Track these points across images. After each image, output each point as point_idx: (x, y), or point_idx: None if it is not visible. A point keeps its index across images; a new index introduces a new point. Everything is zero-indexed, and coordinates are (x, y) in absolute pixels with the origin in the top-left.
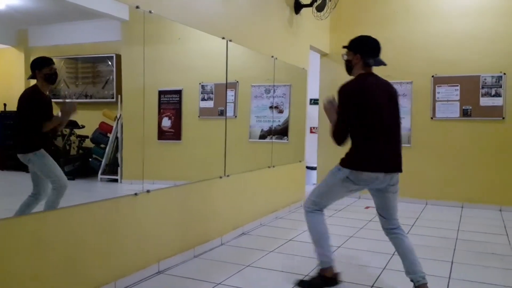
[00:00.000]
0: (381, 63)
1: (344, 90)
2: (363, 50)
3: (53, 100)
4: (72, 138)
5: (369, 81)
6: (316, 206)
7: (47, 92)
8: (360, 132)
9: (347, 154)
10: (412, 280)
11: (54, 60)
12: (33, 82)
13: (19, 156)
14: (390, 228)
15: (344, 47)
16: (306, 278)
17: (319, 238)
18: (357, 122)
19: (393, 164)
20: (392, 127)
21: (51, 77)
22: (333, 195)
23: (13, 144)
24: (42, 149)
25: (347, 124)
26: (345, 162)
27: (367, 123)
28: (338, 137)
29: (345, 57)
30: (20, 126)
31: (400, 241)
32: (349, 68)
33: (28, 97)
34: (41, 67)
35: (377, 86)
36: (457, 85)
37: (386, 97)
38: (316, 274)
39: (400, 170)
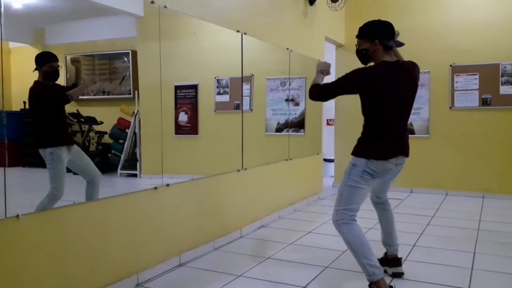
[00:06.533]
0: (400, 43)
1: (362, 70)
2: (379, 34)
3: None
4: (91, 134)
5: (389, 68)
6: (351, 212)
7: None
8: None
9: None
10: (388, 250)
11: (71, 57)
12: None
13: (40, 151)
14: (381, 202)
15: (357, 36)
16: None
17: (364, 250)
18: (373, 112)
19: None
20: (403, 115)
21: (51, 75)
22: (364, 194)
23: (33, 140)
24: (57, 150)
25: (336, 91)
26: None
27: (382, 113)
28: (318, 94)
29: (360, 47)
30: (34, 121)
31: (389, 212)
32: (366, 57)
33: (32, 93)
34: (41, 63)
35: (396, 75)
36: (476, 74)
37: (407, 85)
38: None
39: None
